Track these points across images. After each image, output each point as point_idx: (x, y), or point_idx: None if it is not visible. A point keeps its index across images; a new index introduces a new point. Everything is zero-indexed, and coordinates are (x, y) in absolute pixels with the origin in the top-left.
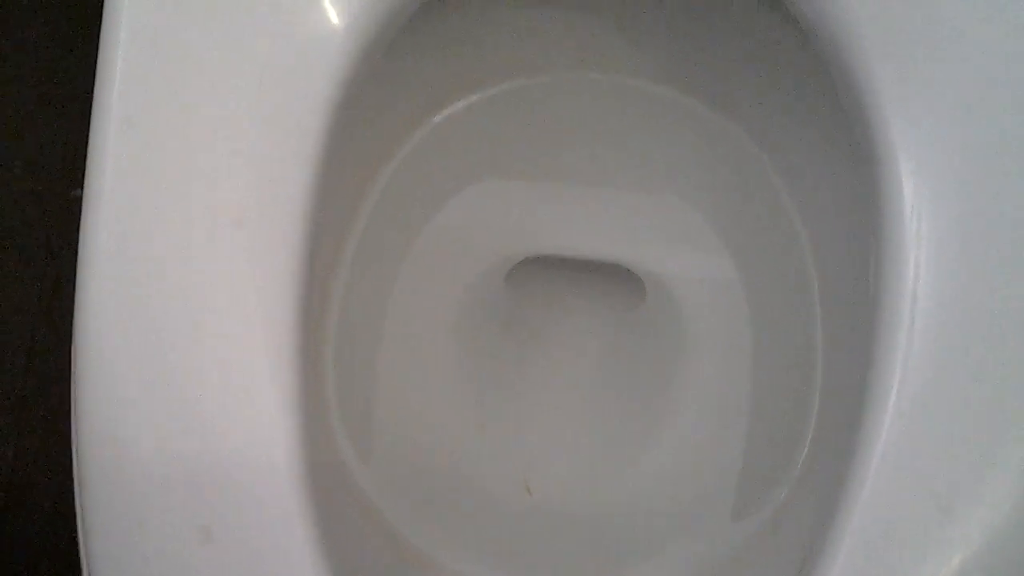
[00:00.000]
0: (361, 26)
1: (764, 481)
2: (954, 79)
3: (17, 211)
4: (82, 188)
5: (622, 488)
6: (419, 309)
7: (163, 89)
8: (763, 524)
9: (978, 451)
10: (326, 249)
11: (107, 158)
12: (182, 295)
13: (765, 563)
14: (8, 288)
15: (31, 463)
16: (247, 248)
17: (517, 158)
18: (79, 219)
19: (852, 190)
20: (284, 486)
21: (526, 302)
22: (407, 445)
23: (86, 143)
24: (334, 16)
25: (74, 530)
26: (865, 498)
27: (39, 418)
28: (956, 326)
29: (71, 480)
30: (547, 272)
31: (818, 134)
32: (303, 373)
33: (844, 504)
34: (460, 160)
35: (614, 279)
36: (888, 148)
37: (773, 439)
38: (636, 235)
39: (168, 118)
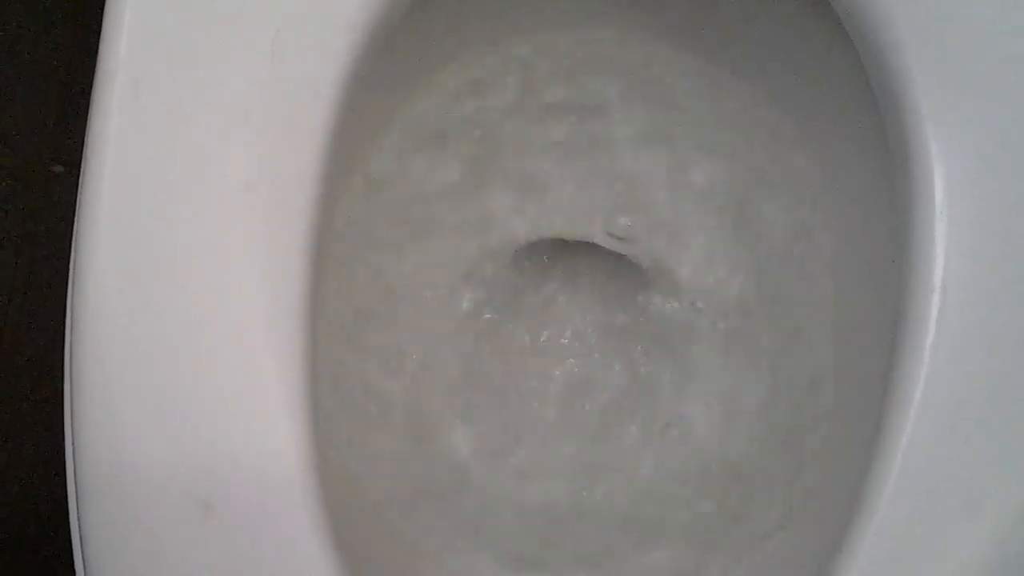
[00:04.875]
0: None
1: (769, 487)
2: (995, 82)
3: None
4: (62, 164)
5: (622, 486)
6: (418, 291)
7: (173, 45)
8: (766, 529)
9: (1008, 449)
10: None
11: (111, 121)
12: (188, 264)
13: (772, 564)
14: None
15: None
16: (256, 212)
17: (520, 129)
18: (57, 196)
19: (880, 188)
20: (289, 468)
21: (529, 285)
22: (402, 433)
23: (65, 118)
24: None
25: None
26: (887, 497)
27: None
28: (986, 322)
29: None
30: (553, 255)
31: (851, 137)
32: (310, 352)
33: (864, 503)
34: (467, 129)
35: (623, 267)
36: (922, 148)
37: (778, 446)
38: (650, 224)
39: (178, 76)
